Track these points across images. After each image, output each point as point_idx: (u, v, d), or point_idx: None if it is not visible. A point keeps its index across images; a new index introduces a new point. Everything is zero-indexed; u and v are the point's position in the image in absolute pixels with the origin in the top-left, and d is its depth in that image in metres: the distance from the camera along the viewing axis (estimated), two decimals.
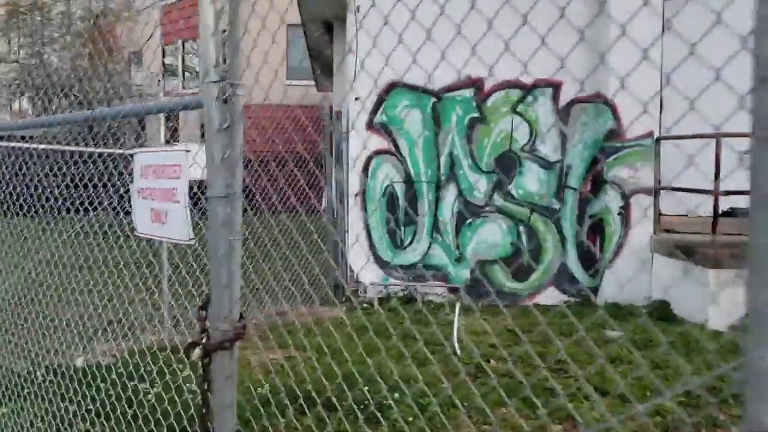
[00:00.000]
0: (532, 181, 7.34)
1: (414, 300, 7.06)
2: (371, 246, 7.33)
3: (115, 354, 5.50)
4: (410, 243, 7.35)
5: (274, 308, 6.41)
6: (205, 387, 2.22)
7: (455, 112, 7.30)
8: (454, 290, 7.25)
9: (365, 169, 7.34)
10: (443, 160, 7.33)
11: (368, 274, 7.29)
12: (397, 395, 4.44)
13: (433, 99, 7.30)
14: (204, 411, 2.21)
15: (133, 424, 3.73)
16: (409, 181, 7.33)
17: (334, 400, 3.82)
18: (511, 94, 7.28)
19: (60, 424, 3.96)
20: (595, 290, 7.27)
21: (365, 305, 6.96)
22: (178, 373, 4.73)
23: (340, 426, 4.11)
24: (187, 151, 2.35)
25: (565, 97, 7.29)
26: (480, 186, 7.35)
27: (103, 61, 19.03)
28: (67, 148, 5.26)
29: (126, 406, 3.90)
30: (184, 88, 25.86)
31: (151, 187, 2.44)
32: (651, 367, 5.13)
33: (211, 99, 2.06)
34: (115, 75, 19.66)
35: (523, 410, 4.41)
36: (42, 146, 5.53)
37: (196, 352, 2.21)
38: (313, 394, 4.32)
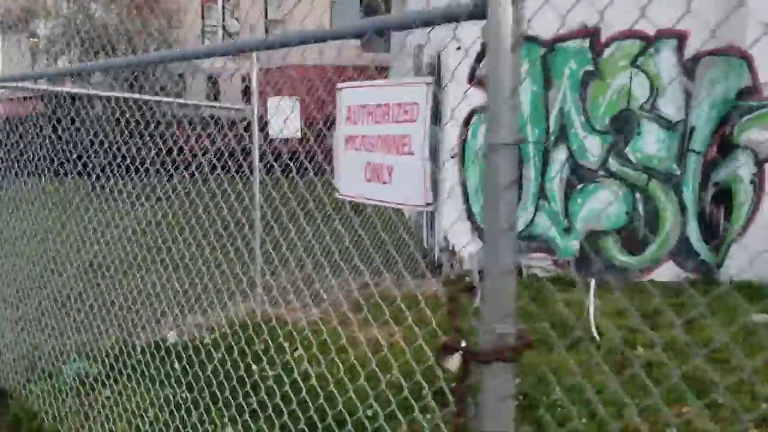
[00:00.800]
0: (651, 143, 6.57)
1: (518, 274, 6.41)
2: (469, 213, 6.67)
3: (208, 327, 4.98)
4: None
5: (355, 282, 5.78)
6: (464, 410, 1.61)
7: (568, 65, 6.52)
8: (560, 264, 6.59)
9: (465, 128, 6.65)
10: (553, 118, 6.59)
11: (464, 242, 6.63)
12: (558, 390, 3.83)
13: (543, 50, 6.52)
14: None
15: (260, 413, 3.18)
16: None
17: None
18: (631, 46, 6.47)
19: (176, 411, 3.44)
20: (719, 265, 6.54)
21: (467, 278, 6.33)
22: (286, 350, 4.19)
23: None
24: (428, 83, 1.70)
25: (691, 49, 6.46)
26: (593, 148, 6.60)
27: (149, 17, 18.43)
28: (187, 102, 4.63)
29: (242, 391, 3.34)
30: None
31: (367, 135, 1.80)
32: None
33: (504, 4, 1.41)
34: (159, 32, 19.04)
35: (701, 409, 3.77)
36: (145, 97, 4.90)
37: (454, 361, 1.60)
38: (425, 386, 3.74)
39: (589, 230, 6.62)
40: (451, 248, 6.63)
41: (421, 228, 7.82)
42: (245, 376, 3.46)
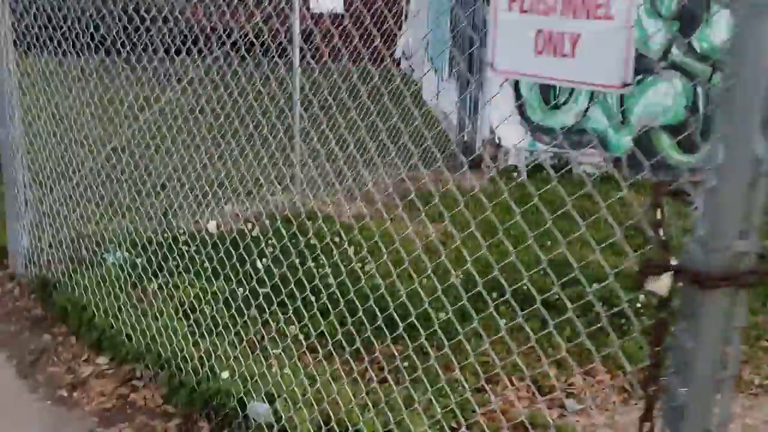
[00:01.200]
0: (721, 31, 6.01)
1: (568, 170, 6.07)
2: (518, 102, 6.23)
3: (255, 216, 4.68)
4: (565, 102, 6.22)
5: (393, 172, 5.42)
6: (662, 338, 1.32)
7: None
8: (613, 160, 6.23)
9: None
10: None
11: (511, 136, 6.25)
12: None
13: None
14: (653, 392, 1.32)
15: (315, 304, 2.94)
16: None
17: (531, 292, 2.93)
18: None
19: (227, 302, 3.22)
20: None
21: (515, 174, 6.01)
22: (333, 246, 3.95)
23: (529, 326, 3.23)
24: None
25: None
26: (656, 36, 6.06)
27: None
28: None
29: (295, 284, 3.06)
30: None
31: None
32: None
33: None
34: None
35: None
36: None
37: (663, 282, 1.29)
38: (505, 284, 3.51)
39: (643, 126, 6.21)
40: (497, 141, 6.26)
41: (450, 119, 7.36)
42: (299, 268, 3.20)
